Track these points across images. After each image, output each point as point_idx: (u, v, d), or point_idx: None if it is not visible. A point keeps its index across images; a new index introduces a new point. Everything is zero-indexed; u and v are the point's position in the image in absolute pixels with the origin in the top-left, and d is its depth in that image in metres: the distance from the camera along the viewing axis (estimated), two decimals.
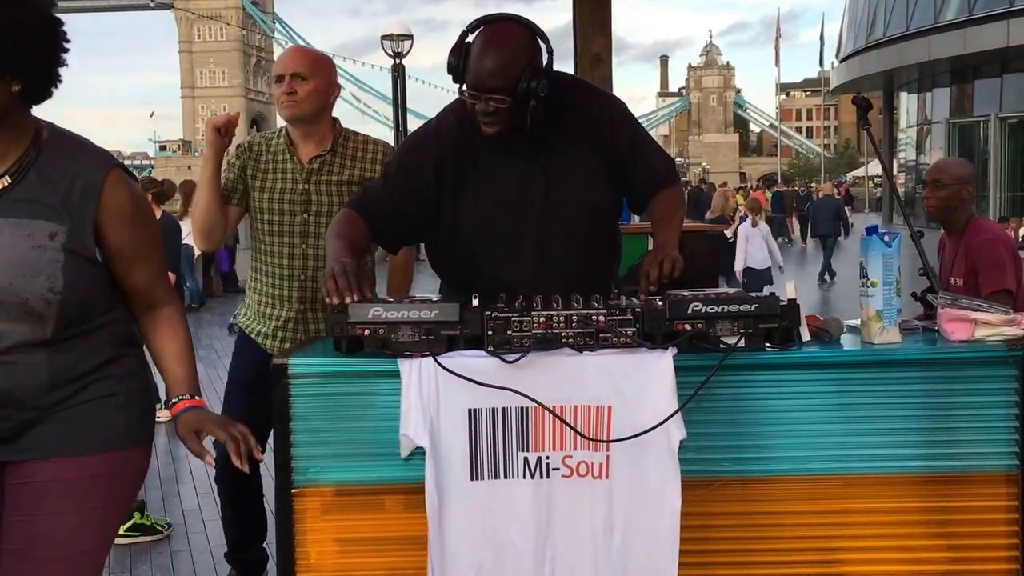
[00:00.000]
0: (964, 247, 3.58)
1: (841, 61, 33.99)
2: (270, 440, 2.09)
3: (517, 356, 1.93)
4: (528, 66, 2.23)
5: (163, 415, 2.62)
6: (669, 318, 1.96)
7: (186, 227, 10.33)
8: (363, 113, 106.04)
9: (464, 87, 2.28)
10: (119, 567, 3.97)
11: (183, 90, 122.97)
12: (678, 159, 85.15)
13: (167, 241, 3.37)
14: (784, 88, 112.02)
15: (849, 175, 62.78)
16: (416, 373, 1.95)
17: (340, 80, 3.25)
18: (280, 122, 3.18)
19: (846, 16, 33.87)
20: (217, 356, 8.64)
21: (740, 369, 1.97)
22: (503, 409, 1.96)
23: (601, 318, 1.97)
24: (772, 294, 2.02)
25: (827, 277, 15.50)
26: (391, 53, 18.99)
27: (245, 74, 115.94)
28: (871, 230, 2.08)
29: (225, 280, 14.24)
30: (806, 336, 2.07)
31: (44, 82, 1.81)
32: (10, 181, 1.79)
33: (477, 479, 1.98)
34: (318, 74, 2.99)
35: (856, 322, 2.16)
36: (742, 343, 1.95)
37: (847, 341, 2.13)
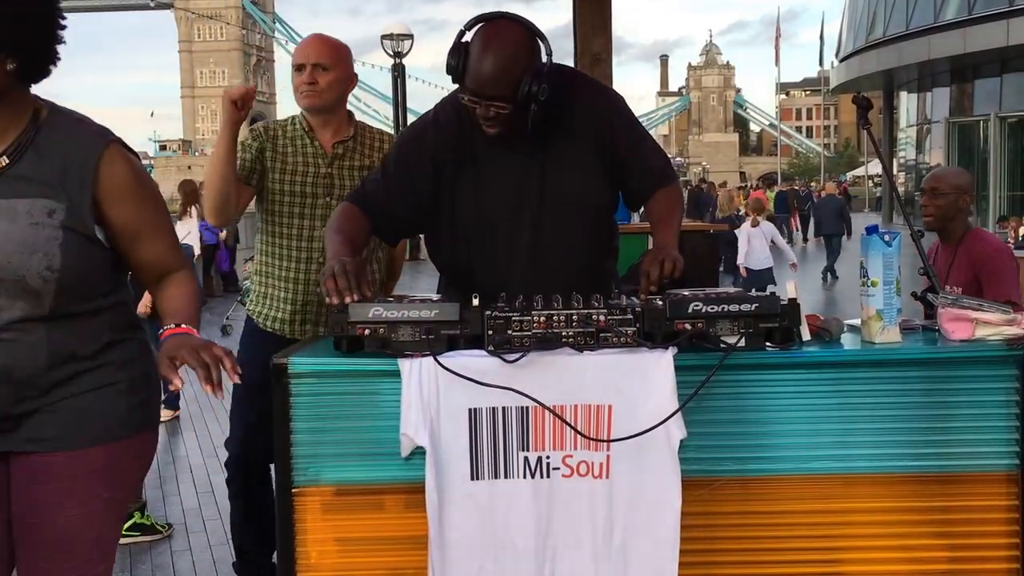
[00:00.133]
0: (965, 257, 3.60)
1: (841, 60, 33.97)
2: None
3: (517, 356, 1.93)
4: (528, 70, 2.21)
5: (164, 414, 2.63)
6: (669, 318, 1.96)
7: (185, 227, 10.38)
8: (363, 113, 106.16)
9: (463, 92, 2.27)
10: (119, 567, 3.96)
11: (183, 90, 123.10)
12: (678, 159, 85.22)
13: None
14: (784, 87, 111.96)
15: (849, 175, 62.83)
16: (416, 373, 1.95)
17: None
18: (279, 113, 3.18)
19: (846, 15, 33.86)
20: None
21: (740, 369, 1.97)
22: (503, 409, 1.96)
23: (601, 318, 1.97)
24: (772, 294, 2.02)
25: (829, 276, 15.49)
26: (391, 53, 19.00)
27: (245, 73, 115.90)
28: (871, 229, 2.08)
29: (225, 280, 14.25)
30: (806, 336, 2.06)
31: (40, 60, 1.80)
32: (8, 161, 1.79)
33: (477, 479, 1.98)
34: (338, 65, 3.01)
35: (856, 321, 2.16)
36: (742, 343, 1.95)
37: (847, 341, 2.13)
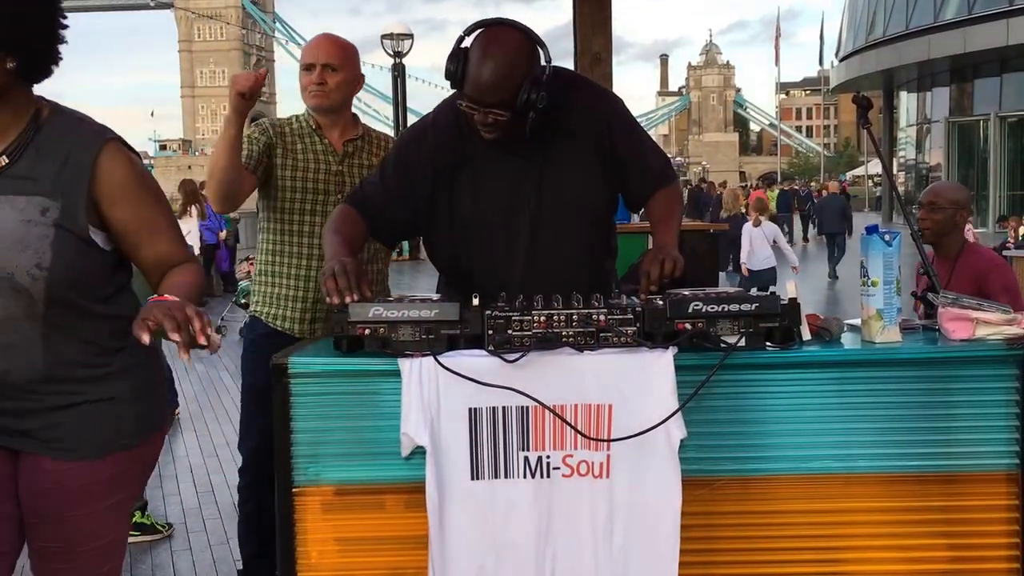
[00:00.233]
0: (965, 271, 3.60)
1: (841, 60, 33.98)
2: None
3: (518, 355, 1.93)
4: (527, 77, 2.20)
5: None
6: (669, 317, 1.96)
7: (184, 227, 10.38)
8: (363, 112, 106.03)
9: (462, 98, 2.26)
10: None
11: (183, 89, 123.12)
12: (678, 159, 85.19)
13: None
14: (784, 87, 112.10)
15: (849, 174, 62.84)
16: (416, 372, 1.95)
17: None
18: (279, 113, 3.18)
19: (846, 15, 33.87)
20: (217, 356, 8.63)
21: (741, 368, 1.97)
22: (504, 408, 1.96)
23: (601, 317, 1.97)
24: (773, 293, 2.02)
25: (832, 276, 15.49)
26: (391, 52, 19.01)
27: None
28: (871, 229, 2.07)
29: (225, 280, 14.24)
30: (806, 335, 2.06)
31: (41, 59, 1.79)
32: (7, 160, 1.78)
33: (478, 478, 1.97)
34: (347, 65, 3.01)
35: (856, 321, 2.16)
36: (743, 342, 1.95)
37: (847, 340, 2.13)
